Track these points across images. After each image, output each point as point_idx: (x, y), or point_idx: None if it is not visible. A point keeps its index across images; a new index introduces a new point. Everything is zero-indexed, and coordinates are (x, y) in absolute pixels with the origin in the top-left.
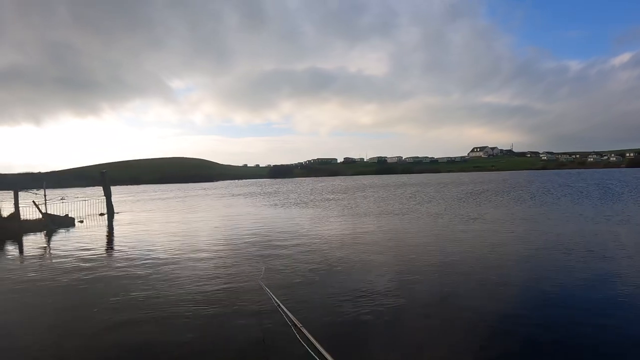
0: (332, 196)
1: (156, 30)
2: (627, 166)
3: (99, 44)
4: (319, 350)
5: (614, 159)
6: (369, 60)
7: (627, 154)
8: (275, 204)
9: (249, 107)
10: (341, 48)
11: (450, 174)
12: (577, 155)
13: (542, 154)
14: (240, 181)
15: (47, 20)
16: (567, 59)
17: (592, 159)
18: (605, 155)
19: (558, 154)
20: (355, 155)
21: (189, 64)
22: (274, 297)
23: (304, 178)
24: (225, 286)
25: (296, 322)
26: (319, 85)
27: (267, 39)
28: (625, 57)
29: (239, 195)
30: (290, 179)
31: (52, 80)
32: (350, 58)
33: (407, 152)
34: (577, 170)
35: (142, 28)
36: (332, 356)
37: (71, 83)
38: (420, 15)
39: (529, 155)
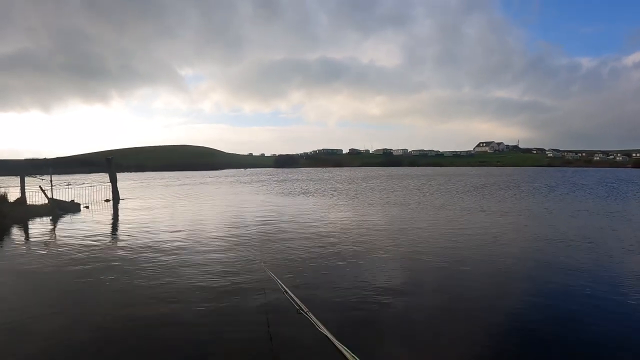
0: (340, 186)
1: (168, 19)
2: (633, 166)
3: (110, 31)
4: (324, 334)
5: (620, 158)
6: (382, 52)
7: (634, 154)
8: (282, 193)
9: (259, 97)
10: (354, 39)
11: (455, 167)
12: (583, 154)
13: (548, 151)
14: (246, 170)
15: (58, 6)
16: (580, 55)
17: (598, 158)
18: (611, 155)
19: (564, 151)
20: (361, 146)
21: (200, 53)
22: (279, 282)
23: (309, 168)
24: (230, 271)
25: (302, 306)
26: (330, 75)
27: (279, 28)
28: (638, 56)
29: (245, 183)
30: (296, 169)
31: (61, 67)
32: (363, 49)
33: (413, 144)
34: (583, 168)
35: (154, 16)
36: (337, 340)
37: (81, 70)
38: (436, 7)
39: (534, 152)
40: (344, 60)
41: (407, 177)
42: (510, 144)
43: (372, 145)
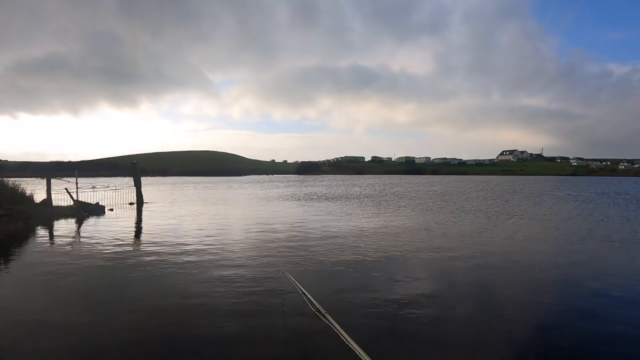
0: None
1: (204, 23)
2: None
3: (145, 34)
4: (343, 337)
5: None
6: (415, 59)
7: None
8: (306, 200)
9: (289, 103)
10: (388, 46)
11: (481, 176)
12: (608, 162)
13: (572, 159)
14: (268, 176)
15: (92, 9)
16: (611, 62)
17: (623, 167)
18: (637, 163)
19: (588, 160)
20: (384, 154)
21: (233, 58)
22: (299, 285)
23: (330, 175)
24: (251, 275)
25: (321, 309)
26: (360, 82)
27: (315, 34)
28: None
29: (268, 189)
30: (318, 176)
31: (93, 70)
32: (396, 56)
33: (437, 152)
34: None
35: (190, 21)
36: (356, 343)
37: (112, 74)
38: (472, 14)
39: (558, 160)
40: (375, 68)
41: (449, 193)
42: (534, 152)
43: (394, 153)
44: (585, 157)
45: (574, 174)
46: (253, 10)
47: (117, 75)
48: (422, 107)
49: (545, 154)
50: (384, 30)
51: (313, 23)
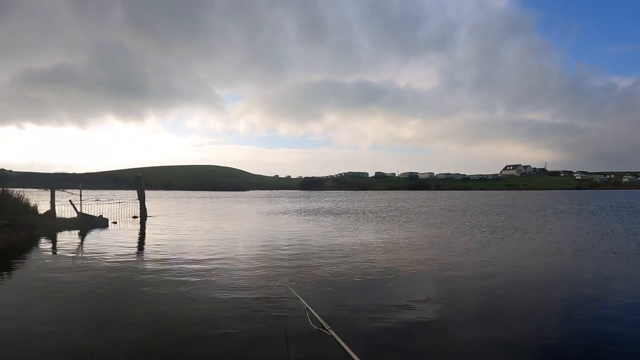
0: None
1: (213, 38)
2: None
3: (154, 48)
4: (347, 352)
5: None
6: (420, 75)
7: None
8: (309, 216)
9: (294, 118)
10: (395, 62)
11: (486, 191)
12: (612, 175)
13: (575, 173)
14: (271, 191)
15: (101, 21)
16: (615, 75)
17: (627, 180)
18: None
19: (592, 173)
20: (388, 170)
21: (241, 73)
22: (302, 300)
23: (334, 191)
24: (253, 288)
25: (324, 324)
26: (366, 98)
27: (322, 49)
28: None
29: (270, 204)
30: (321, 192)
31: (100, 83)
32: (402, 72)
33: (441, 168)
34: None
35: (199, 35)
36: (361, 358)
37: (119, 87)
38: (479, 29)
39: (562, 175)
40: (381, 84)
41: (453, 208)
42: (537, 167)
43: (398, 168)
44: (588, 171)
45: (577, 188)
46: (262, 25)
47: (124, 88)
48: (427, 123)
49: (548, 169)
50: (391, 46)
51: (321, 39)
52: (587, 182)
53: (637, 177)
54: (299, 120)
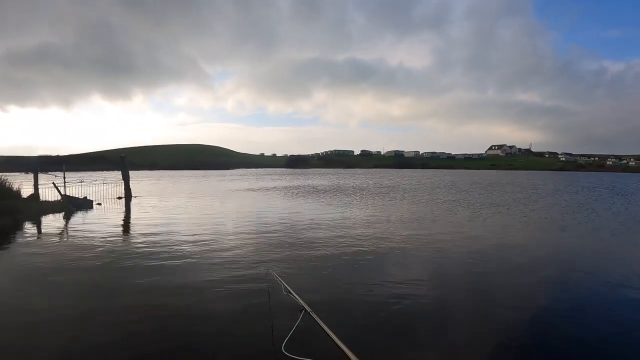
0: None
1: (203, 13)
2: None
3: (143, 24)
4: (328, 334)
5: (633, 163)
6: (414, 54)
7: None
8: (296, 195)
9: (284, 96)
10: (389, 40)
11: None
12: (596, 158)
13: (560, 154)
14: (256, 170)
15: None
16: (607, 59)
17: (610, 162)
18: (624, 160)
19: (576, 155)
20: (374, 148)
21: (232, 50)
22: (284, 283)
23: (320, 169)
24: (236, 272)
25: (305, 307)
26: (358, 76)
27: (316, 26)
28: None
29: (255, 181)
30: (307, 169)
31: (86, 61)
32: (395, 50)
33: (427, 147)
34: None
35: (189, 10)
36: (341, 341)
37: (106, 65)
38: (476, 9)
39: (547, 156)
40: (373, 62)
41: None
42: (522, 147)
43: (384, 147)
44: (574, 153)
45: (562, 169)
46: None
47: (111, 66)
48: (418, 101)
49: (534, 149)
50: (385, 23)
51: (316, 14)
52: (572, 163)
53: (621, 160)
54: (289, 98)
